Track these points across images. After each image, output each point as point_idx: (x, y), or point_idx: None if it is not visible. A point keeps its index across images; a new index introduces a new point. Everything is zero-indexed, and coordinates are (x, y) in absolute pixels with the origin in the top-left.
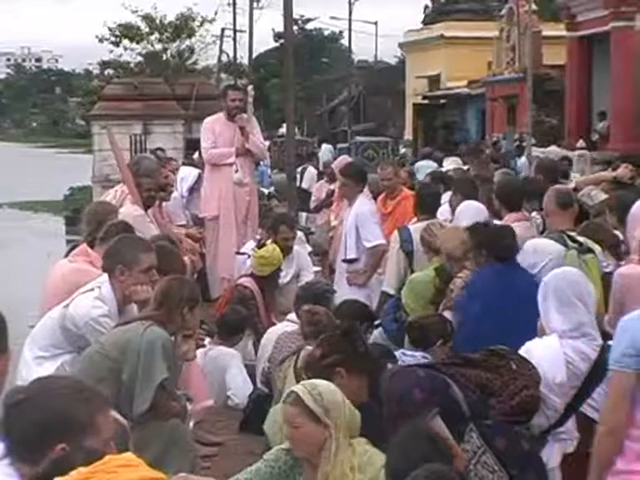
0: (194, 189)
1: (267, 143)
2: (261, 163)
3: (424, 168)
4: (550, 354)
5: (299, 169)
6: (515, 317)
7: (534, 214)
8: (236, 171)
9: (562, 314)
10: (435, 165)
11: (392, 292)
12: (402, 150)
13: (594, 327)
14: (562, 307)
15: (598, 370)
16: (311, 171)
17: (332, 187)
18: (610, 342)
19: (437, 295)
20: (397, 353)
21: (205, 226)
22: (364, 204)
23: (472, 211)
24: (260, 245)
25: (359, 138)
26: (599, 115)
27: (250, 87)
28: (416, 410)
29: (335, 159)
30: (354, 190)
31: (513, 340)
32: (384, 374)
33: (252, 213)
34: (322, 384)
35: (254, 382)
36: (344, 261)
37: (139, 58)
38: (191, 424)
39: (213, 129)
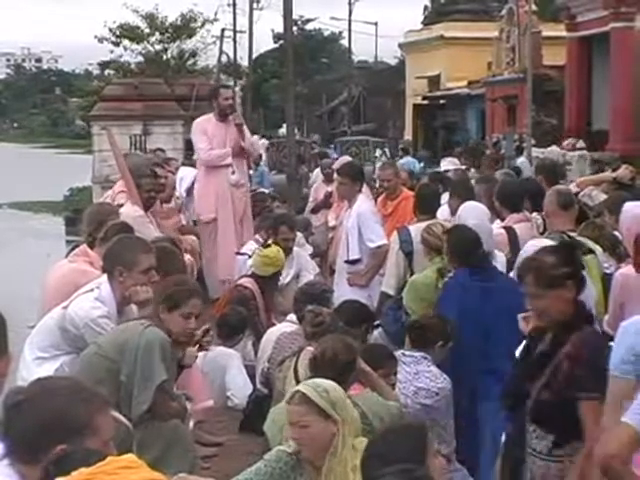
0: (193, 190)
1: (265, 142)
2: (261, 163)
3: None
4: None
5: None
6: (493, 321)
7: (534, 214)
8: (233, 172)
9: None
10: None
11: (392, 293)
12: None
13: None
14: None
15: None
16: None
17: (330, 189)
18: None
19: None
20: (397, 354)
21: (199, 228)
22: (365, 204)
23: (475, 211)
24: (265, 245)
25: (343, 138)
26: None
27: (237, 88)
28: (596, 372)
29: None
30: (352, 189)
31: (492, 344)
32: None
33: (247, 214)
34: (325, 381)
35: (254, 383)
36: (347, 262)
37: (139, 58)
38: (191, 424)
39: (205, 130)
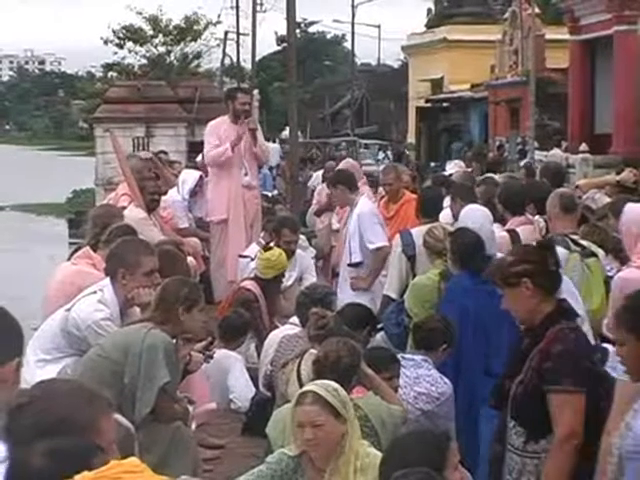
0: (196, 192)
1: (275, 146)
2: (264, 167)
3: None
4: None
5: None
6: (494, 324)
7: (537, 217)
8: (245, 174)
9: None
10: None
11: (394, 296)
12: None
13: (586, 326)
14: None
15: None
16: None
17: None
18: (605, 345)
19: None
20: (397, 357)
21: (211, 229)
22: (365, 206)
23: (477, 215)
24: (267, 248)
25: (333, 139)
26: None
27: (256, 91)
28: (569, 371)
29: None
30: (348, 196)
31: (493, 347)
32: (573, 320)
33: (257, 217)
34: (331, 382)
35: (256, 385)
36: (349, 265)
37: (143, 61)
38: (193, 427)
39: (218, 133)
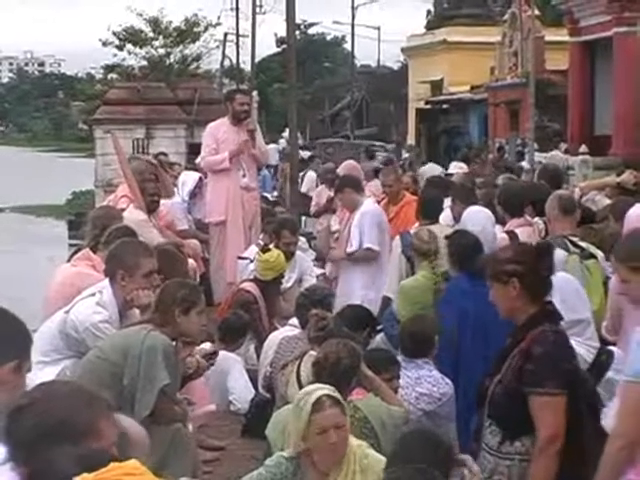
0: (195, 193)
1: (275, 147)
2: (263, 168)
3: None
4: None
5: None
6: (493, 326)
7: (536, 219)
8: (243, 176)
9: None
10: None
11: (394, 297)
12: (405, 155)
13: (591, 329)
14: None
15: (593, 373)
16: (311, 175)
17: (332, 193)
18: (609, 347)
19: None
20: (399, 358)
21: (209, 231)
22: (369, 206)
23: (479, 217)
24: (265, 249)
25: (323, 140)
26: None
27: (255, 92)
28: (550, 373)
29: (281, 160)
30: (355, 198)
31: (493, 349)
32: (557, 323)
33: (256, 219)
34: (327, 385)
35: (256, 387)
36: (348, 255)
37: (142, 62)
38: (190, 428)
39: (216, 135)
